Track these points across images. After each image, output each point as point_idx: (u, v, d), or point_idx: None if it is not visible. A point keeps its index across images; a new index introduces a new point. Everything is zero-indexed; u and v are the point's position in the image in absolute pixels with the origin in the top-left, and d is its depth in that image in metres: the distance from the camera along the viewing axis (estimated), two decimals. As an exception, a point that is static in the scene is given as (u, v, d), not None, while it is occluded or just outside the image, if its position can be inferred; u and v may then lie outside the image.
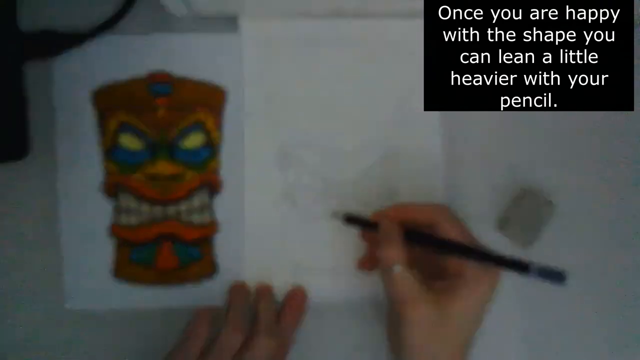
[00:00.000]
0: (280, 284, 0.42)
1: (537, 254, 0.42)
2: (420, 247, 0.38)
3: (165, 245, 0.42)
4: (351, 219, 0.40)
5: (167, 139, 0.42)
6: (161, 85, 0.42)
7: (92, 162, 0.41)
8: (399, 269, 0.35)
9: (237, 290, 0.42)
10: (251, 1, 0.40)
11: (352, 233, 0.42)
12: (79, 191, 0.41)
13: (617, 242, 0.44)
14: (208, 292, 0.42)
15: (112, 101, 0.41)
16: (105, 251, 0.42)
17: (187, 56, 0.42)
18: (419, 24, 0.41)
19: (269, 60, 0.42)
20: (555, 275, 0.33)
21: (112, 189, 0.42)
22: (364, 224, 0.40)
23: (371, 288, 0.43)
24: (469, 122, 0.44)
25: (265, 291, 0.42)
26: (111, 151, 0.42)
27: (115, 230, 0.42)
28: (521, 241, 0.43)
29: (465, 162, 0.44)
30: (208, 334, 0.37)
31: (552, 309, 0.44)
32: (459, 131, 0.44)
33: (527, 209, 0.42)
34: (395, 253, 0.35)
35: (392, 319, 0.37)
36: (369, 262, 0.42)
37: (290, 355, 0.41)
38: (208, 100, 0.42)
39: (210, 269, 0.42)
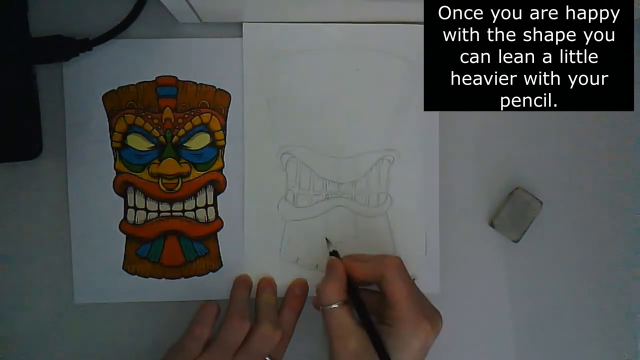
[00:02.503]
0: (280, 281, 0.43)
1: (527, 249, 0.45)
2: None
3: (171, 242, 0.43)
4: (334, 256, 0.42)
5: (173, 140, 0.43)
6: (168, 88, 0.43)
7: (102, 161, 0.43)
8: (335, 306, 0.37)
9: (241, 282, 0.43)
10: (254, 8, 0.41)
11: (350, 232, 0.43)
12: (90, 189, 0.43)
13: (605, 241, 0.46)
14: (213, 286, 0.43)
15: (120, 103, 0.43)
16: (114, 247, 0.43)
17: (193, 60, 0.43)
18: (418, 28, 0.42)
19: (270, 63, 0.43)
20: None
21: (121, 187, 0.43)
22: None
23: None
24: (463, 121, 0.44)
25: (267, 284, 0.43)
26: (120, 151, 0.43)
27: (123, 226, 0.43)
28: (510, 236, 0.44)
29: (460, 160, 0.45)
30: (214, 324, 0.39)
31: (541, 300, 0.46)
32: (453, 130, 0.44)
33: (516, 206, 0.44)
34: (334, 291, 0.38)
35: (330, 352, 0.38)
36: None
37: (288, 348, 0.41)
38: (213, 102, 0.43)
39: (215, 263, 0.44)
